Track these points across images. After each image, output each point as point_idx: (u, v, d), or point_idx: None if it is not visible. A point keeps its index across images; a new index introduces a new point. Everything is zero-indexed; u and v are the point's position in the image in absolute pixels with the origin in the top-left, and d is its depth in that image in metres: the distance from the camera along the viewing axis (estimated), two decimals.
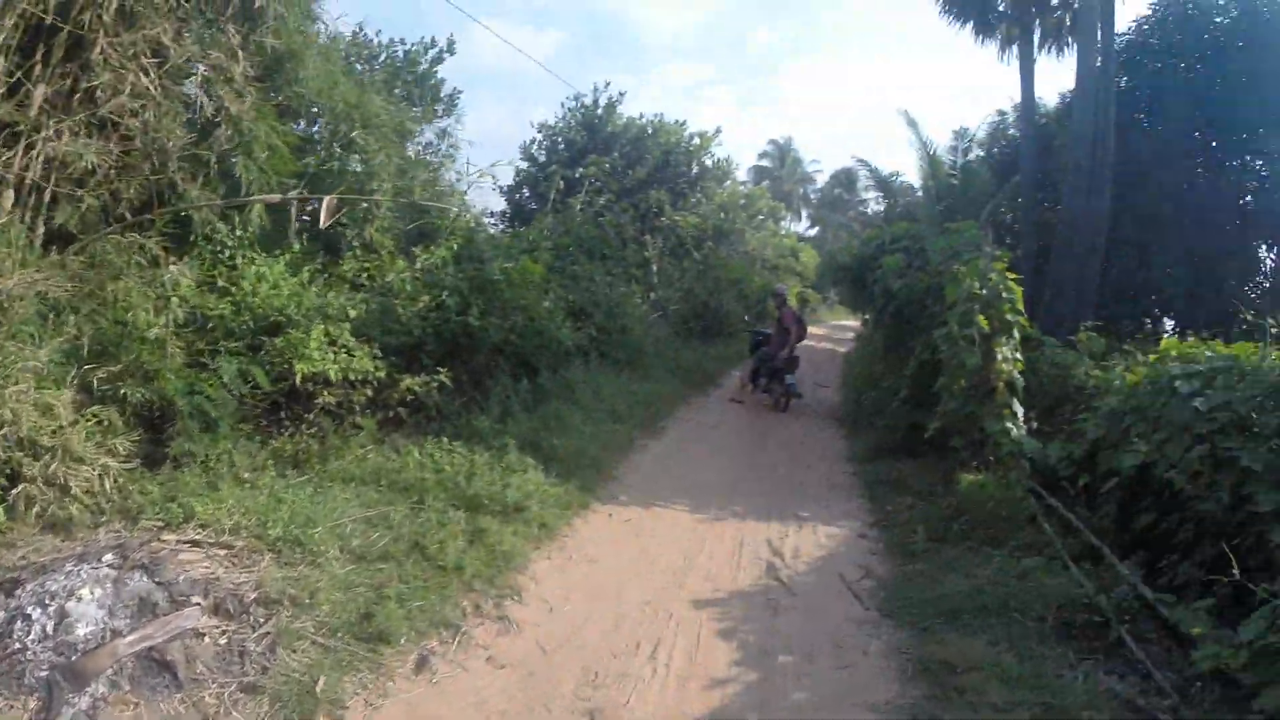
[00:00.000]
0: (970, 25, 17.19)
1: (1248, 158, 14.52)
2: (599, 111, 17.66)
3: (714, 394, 12.08)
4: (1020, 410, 7.43)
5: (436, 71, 15.24)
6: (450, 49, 14.26)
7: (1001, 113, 20.00)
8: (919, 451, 8.20)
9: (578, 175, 12.79)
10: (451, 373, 7.64)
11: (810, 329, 14.80)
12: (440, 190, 10.14)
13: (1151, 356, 6.68)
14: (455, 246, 8.12)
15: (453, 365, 7.95)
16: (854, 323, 31.95)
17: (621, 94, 18.17)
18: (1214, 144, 14.66)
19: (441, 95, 15.40)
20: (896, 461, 8.23)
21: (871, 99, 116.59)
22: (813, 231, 55.79)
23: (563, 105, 18.54)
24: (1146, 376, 6.50)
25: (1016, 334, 7.46)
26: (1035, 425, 7.74)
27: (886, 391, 9.83)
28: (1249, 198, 14.80)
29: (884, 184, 16.65)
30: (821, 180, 61.08)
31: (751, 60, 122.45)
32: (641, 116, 18.46)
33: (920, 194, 17.08)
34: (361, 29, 12.93)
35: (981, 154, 17.65)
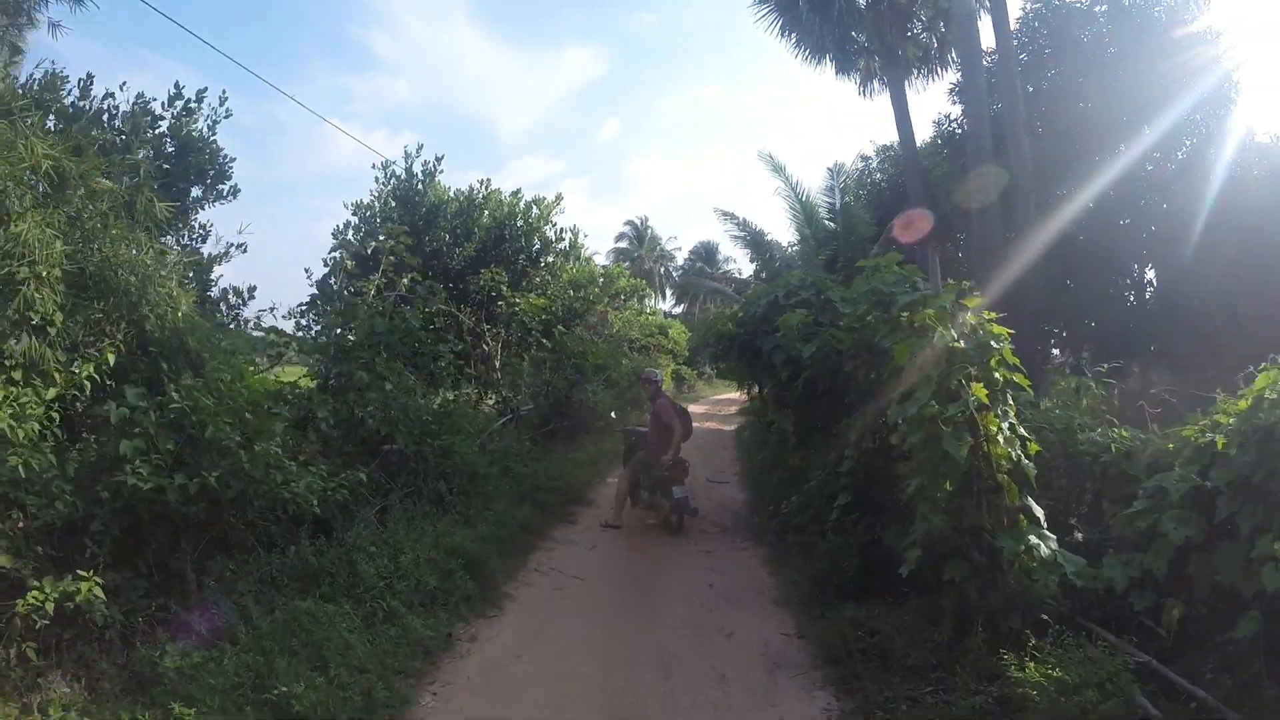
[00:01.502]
0: (830, 62, 15.88)
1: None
2: (417, 183, 14.74)
3: (584, 519, 9.00)
4: (1041, 512, 4.88)
5: (214, 138, 12.11)
6: (200, 98, 11.13)
7: (865, 157, 18.87)
8: (888, 585, 5.46)
9: (370, 250, 9.71)
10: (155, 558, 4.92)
11: (690, 406, 12.21)
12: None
13: (1240, 402, 4.31)
14: (112, 358, 4.84)
15: (145, 549, 5.02)
16: (736, 395, 29.99)
17: (439, 159, 15.36)
18: (1097, 158, 13.56)
19: (209, 164, 12.20)
20: (859, 607, 5.42)
21: (728, 163, 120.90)
22: (678, 309, 54.99)
23: (376, 180, 15.53)
24: (1233, 430, 4.15)
25: (1012, 401, 4.97)
26: (1080, 535, 5.19)
27: (815, 494, 7.14)
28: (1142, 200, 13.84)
29: (756, 238, 14.57)
30: (681, 257, 61.06)
31: (602, 150, 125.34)
32: (471, 189, 15.75)
33: (797, 245, 15.07)
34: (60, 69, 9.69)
35: (849, 200, 16.05)
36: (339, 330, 8.12)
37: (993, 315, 4.93)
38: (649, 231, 60.41)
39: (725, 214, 14.81)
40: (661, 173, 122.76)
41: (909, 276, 6.33)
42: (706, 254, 58.70)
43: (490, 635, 5.41)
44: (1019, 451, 4.74)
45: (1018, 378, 4.88)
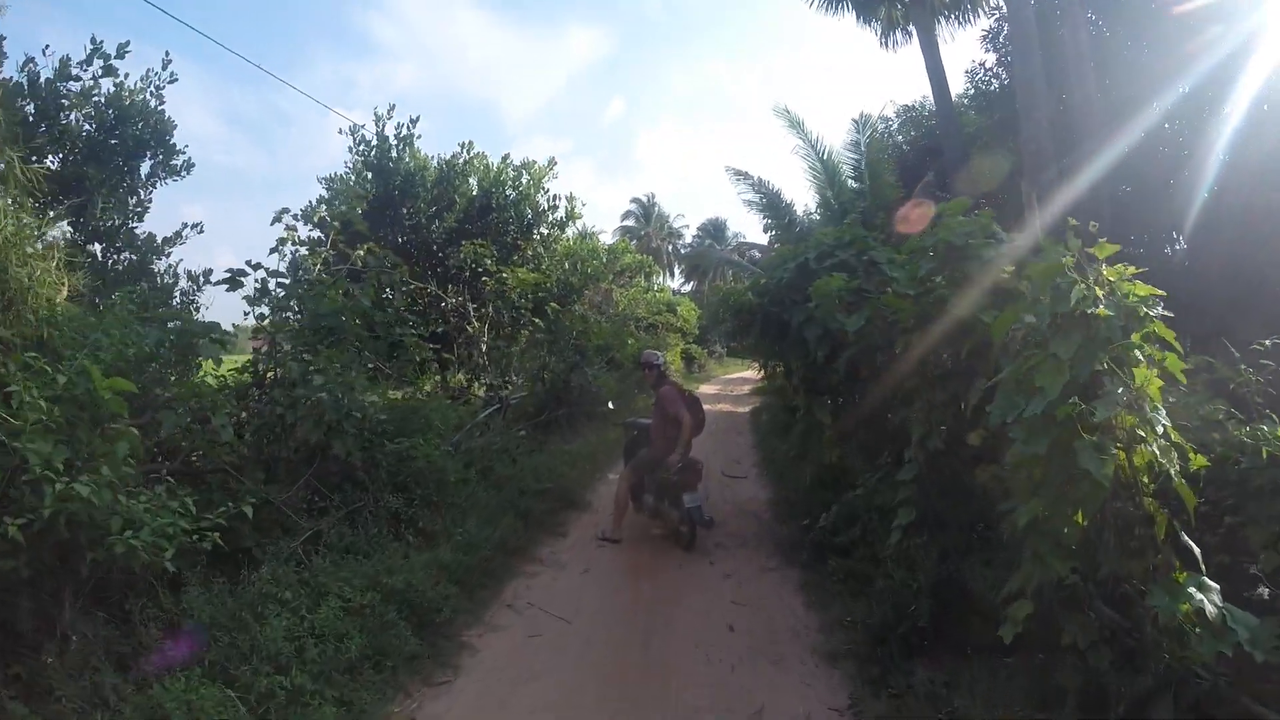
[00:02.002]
0: (849, 10, 14.44)
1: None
2: (389, 148, 13.18)
3: (576, 529, 7.62)
4: (1198, 551, 3.43)
5: (161, 107, 10.84)
6: (122, 54, 9.85)
7: (886, 119, 17.37)
8: (972, 639, 4.05)
9: (317, 220, 8.26)
10: None
11: (701, 387, 10.78)
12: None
13: None
14: None
15: None
16: (749, 373, 28.47)
17: (414, 120, 13.66)
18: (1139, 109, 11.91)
19: (151, 135, 10.92)
20: (933, 668, 4.03)
21: (736, 139, 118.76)
22: (688, 287, 53.70)
23: (349, 149, 13.99)
24: None
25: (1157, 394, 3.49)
26: (1266, 591, 3.71)
27: (863, 505, 5.72)
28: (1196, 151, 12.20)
29: (773, 200, 12.97)
30: (689, 235, 59.58)
31: (608, 129, 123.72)
32: (454, 154, 14.18)
33: (815, 212, 13.50)
34: None
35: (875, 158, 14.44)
36: (280, 313, 6.72)
37: (1133, 270, 3.45)
38: (656, 209, 58.97)
39: (738, 173, 13.20)
40: (668, 151, 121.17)
41: (984, 224, 4.86)
42: (715, 230, 57.10)
43: (435, 713, 4.03)
44: (1176, 466, 3.29)
45: (1169, 359, 3.41)
